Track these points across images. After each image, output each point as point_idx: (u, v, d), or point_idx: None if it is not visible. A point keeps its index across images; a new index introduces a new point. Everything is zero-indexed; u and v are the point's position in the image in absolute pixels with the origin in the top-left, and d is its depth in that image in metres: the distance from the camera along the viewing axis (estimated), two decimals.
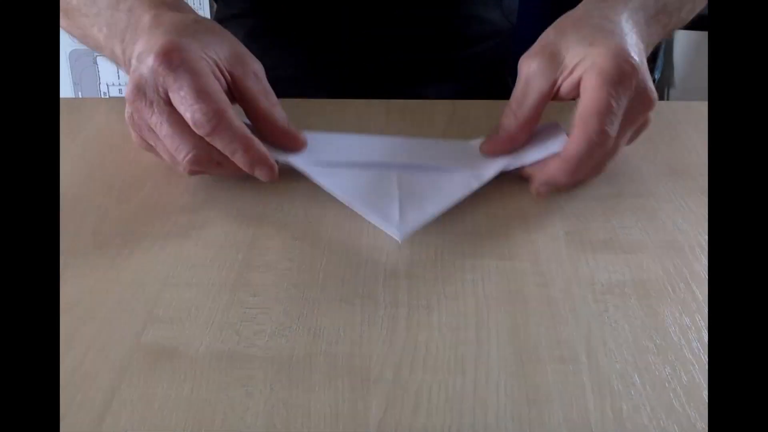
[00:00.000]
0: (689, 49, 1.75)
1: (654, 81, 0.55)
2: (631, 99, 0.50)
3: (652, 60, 1.19)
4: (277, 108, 0.53)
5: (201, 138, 0.49)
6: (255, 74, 0.53)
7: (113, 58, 0.58)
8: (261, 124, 0.53)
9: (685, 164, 0.58)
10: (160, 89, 0.49)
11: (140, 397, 0.38)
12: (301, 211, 0.52)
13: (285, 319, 0.43)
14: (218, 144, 0.50)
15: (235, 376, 0.39)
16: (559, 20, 0.56)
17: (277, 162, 0.52)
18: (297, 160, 0.54)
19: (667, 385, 0.39)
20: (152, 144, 0.52)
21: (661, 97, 1.14)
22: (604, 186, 0.55)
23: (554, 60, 0.52)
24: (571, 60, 0.51)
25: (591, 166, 0.51)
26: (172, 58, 0.49)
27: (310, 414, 0.37)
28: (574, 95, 0.52)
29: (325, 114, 0.65)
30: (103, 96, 1.75)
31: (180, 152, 0.49)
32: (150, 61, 0.49)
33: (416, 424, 0.37)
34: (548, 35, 0.54)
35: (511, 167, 0.54)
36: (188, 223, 0.51)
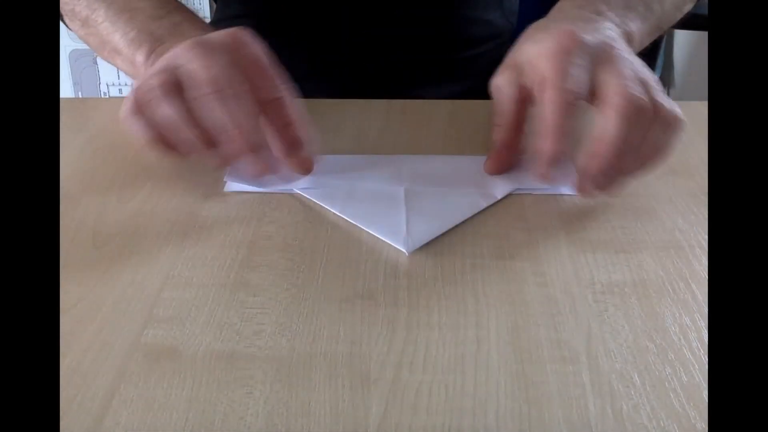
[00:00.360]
0: (689, 49, 1.75)
1: None
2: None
3: (652, 60, 1.19)
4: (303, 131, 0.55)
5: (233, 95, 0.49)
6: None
7: (128, 63, 0.59)
8: None
9: (685, 164, 0.58)
10: (224, 59, 0.49)
11: (140, 397, 0.38)
12: (301, 211, 0.52)
13: (285, 319, 0.43)
14: (275, 113, 0.51)
15: (235, 376, 0.39)
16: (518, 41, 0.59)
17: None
18: (302, 183, 0.54)
19: (667, 385, 0.39)
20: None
21: None
22: None
23: (514, 69, 0.55)
24: (529, 65, 0.54)
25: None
26: (243, 40, 0.51)
27: (310, 414, 0.37)
28: None
29: (325, 114, 0.65)
30: (103, 96, 1.75)
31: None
32: (218, 36, 0.51)
33: (416, 424, 0.37)
34: (509, 55, 0.57)
35: (521, 191, 0.54)
36: (188, 223, 0.51)
